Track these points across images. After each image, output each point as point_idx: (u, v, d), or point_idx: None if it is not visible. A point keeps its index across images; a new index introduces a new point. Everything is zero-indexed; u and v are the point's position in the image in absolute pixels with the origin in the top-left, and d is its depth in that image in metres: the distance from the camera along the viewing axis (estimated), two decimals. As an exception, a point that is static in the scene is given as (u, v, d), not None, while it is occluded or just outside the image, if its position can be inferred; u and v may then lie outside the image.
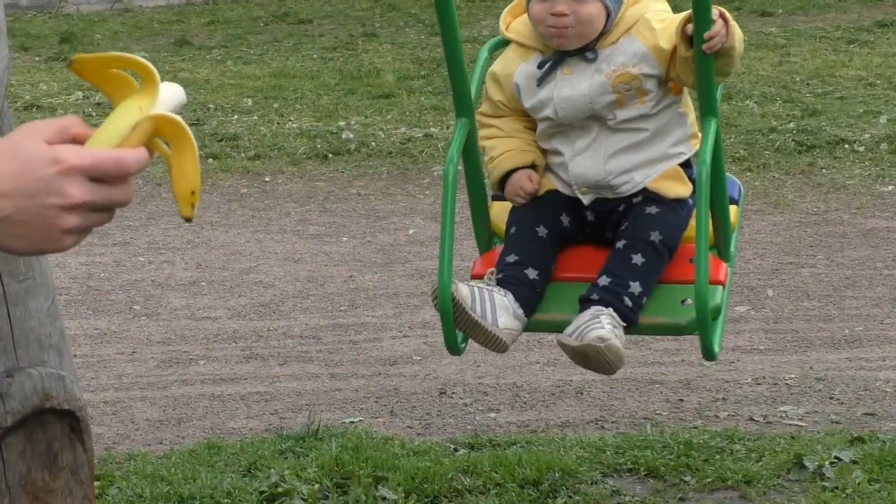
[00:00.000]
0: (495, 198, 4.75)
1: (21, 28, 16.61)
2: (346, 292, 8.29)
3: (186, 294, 8.32)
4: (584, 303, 4.33)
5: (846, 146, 10.87)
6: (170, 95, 2.33)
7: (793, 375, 6.89)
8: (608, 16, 4.37)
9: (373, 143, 11.35)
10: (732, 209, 4.60)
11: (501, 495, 5.51)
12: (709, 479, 5.67)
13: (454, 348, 4.43)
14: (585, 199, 4.47)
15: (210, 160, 11.05)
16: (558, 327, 4.37)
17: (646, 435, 6.07)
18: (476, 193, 4.61)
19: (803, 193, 9.97)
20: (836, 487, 5.56)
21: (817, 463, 5.74)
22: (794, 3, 17.02)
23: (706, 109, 4.34)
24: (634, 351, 7.21)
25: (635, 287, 4.33)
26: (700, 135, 4.45)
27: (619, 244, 4.38)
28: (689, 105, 4.55)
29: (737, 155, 10.72)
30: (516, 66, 4.50)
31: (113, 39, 16.13)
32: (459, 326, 4.29)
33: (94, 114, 12.53)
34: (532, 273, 4.41)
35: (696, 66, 4.22)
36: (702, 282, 4.19)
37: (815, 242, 8.96)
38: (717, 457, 5.83)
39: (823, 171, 10.43)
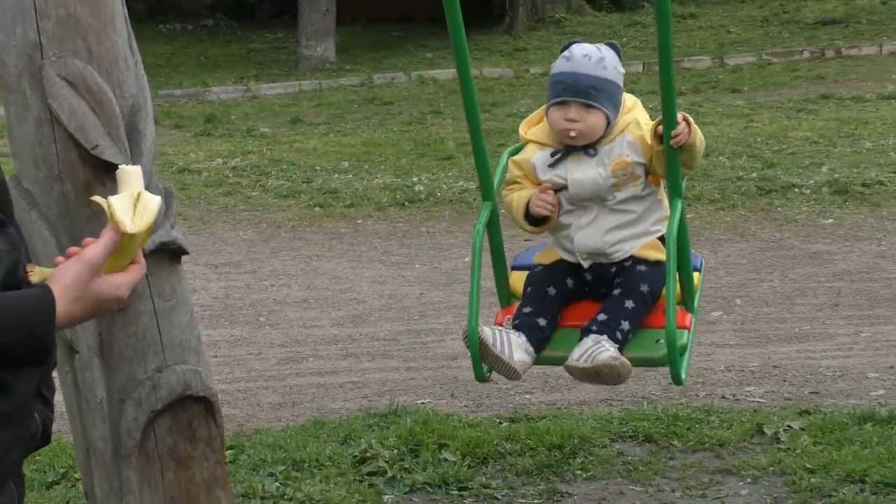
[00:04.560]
0: (514, 268, 4.68)
1: (176, 111, 16.73)
2: (418, 306, 8.29)
3: (299, 309, 8.35)
4: (585, 332, 4.24)
5: (796, 190, 10.81)
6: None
7: (755, 364, 6.86)
8: (608, 123, 4.32)
9: (438, 194, 11.36)
10: (696, 275, 4.52)
11: (534, 457, 5.50)
12: (691, 443, 5.66)
13: (480, 377, 4.35)
14: (586, 264, 4.38)
15: (317, 208, 11.08)
16: (560, 361, 4.28)
17: (643, 410, 6.06)
18: (498, 260, 4.54)
19: (763, 226, 9.93)
20: (789, 449, 5.53)
21: (774, 430, 5.72)
22: (756, 82, 16.96)
23: (673, 193, 4.26)
24: (635, 347, 7.21)
25: (625, 325, 4.24)
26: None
27: (616, 292, 4.30)
28: (663, 194, 4.43)
29: (712, 198, 10.68)
30: (533, 153, 4.42)
31: (244, 119, 16.22)
32: (484, 360, 4.21)
33: (230, 175, 12.59)
34: (542, 321, 4.32)
35: (665, 157, 4.16)
36: (671, 327, 4.11)
37: (772, 263, 8.92)
38: (697, 426, 5.82)
39: (779, 208, 10.38)
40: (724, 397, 6.37)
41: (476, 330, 4.16)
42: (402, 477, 5.37)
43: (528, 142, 4.48)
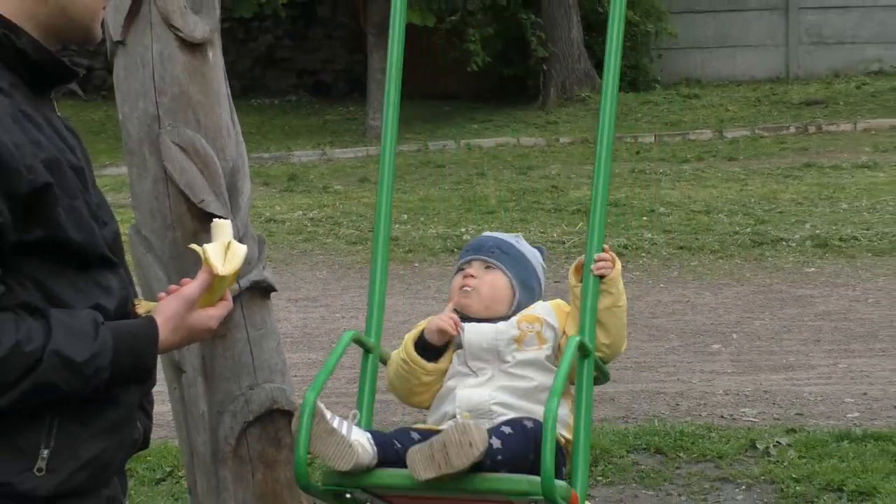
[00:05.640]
0: None
1: (264, 171, 16.81)
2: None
3: (365, 337, 8.34)
4: None
5: (784, 243, 10.75)
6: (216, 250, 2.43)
7: (749, 389, 6.80)
8: (513, 297, 3.27)
9: (482, 242, 11.35)
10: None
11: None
12: (695, 455, 5.62)
13: (302, 470, 2.97)
14: None
15: (380, 253, 11.10)
16: (406, 478, 2.86)
17: (654, 426, 6.01)
18: (368, 377, 3.41)
19: (756, 273, 9.87)
20: (777, 461, 5.49)
21: (765, 445, 5.67)
22: (750, 152, 16.87)
23: (581, 329, 3.06)
24: (648, 373, 7.16)
25: (496, 441, 2.83)
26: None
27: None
28: (571, 398, 3.07)
29: (713, 249, 10.62)
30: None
31: (321, 178, 16.25)
32: (314, 436, 2.92)
33: (309, 225, 12.63)
34: (397, 444, 2.95)
35: (581, 292, 3.12)
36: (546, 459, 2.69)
37: (764, 304, 8.86)
38: (700, 441, 5.77)
39: (769, 258, 10.32)
40: (722, 417, 6.32)
41: (313, 400, 2.97)
42: (450, 480, 5.34)
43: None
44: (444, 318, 3.22)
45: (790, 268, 9.98)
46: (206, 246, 2.39)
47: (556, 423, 2.73)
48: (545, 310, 3.25)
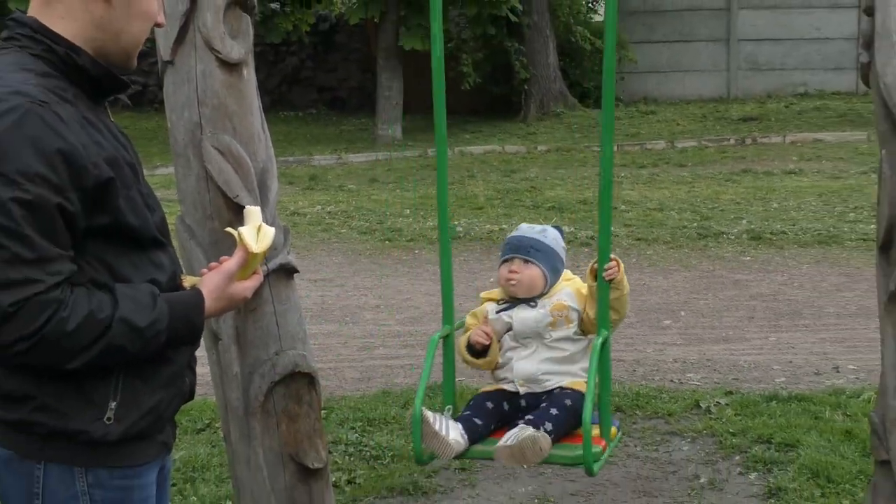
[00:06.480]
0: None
1: (290, 173, 16.78)
2: (457, 311, 8.24)
3: (373, 312, 8.34)
4: (513, 426, 3.58)
5: (724, 236, 10.75)
6: (251, 232, 2.42)
7: (694, 358, 6.81)
8: (546, 282, 3.82)
9: (472, 233, 11.34)
10: (612, 429, 3.69)
11: (537, 420, 5.48)
12: (648, 413, 5.63)
13: (420, 459, 3.61)
14: (522, 390, 3.74)
15: (386, 242, 11.08)
16: (490, 454, 3.55)
17: (615, 389, 6.02)
18: (448, 368, 3.88)
19: (701, 261, 9.87)
20: (717, 418, 5.50)
21: (707, 405, 5.69)
22: (697, 159, 16.87)
23: (601, 324, 3.56)
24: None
25: (548, 425, 3.53)
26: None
27: (543, 404, 3.65)
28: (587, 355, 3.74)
29: (665, 240, 10.62)
30: (486, 305, 3.89)
31: (337, 178, 16.21)
32: (424, 437, 3.52)
33: (326, 217, 12.60)
34: (478, 421, 3.65)
35: (597, 291, 3.59)
36: (587, 442, 3.38)
37: (707, 287, 8.85)
38: (654, 401, 5.79)
39: (712, 248, 10.32)
40: (671, 381, 6.33)
41: (420, 410, 3.53)
42: (444, 432, 5.34)
43: (484, 300, 3.97)
44: (479, 333, 3.80)
45: (729, 256, 9.98)
46: (240, 229, 2.40)
47: (590, 423, 3.38)
48: (569, 297, 3.79)
